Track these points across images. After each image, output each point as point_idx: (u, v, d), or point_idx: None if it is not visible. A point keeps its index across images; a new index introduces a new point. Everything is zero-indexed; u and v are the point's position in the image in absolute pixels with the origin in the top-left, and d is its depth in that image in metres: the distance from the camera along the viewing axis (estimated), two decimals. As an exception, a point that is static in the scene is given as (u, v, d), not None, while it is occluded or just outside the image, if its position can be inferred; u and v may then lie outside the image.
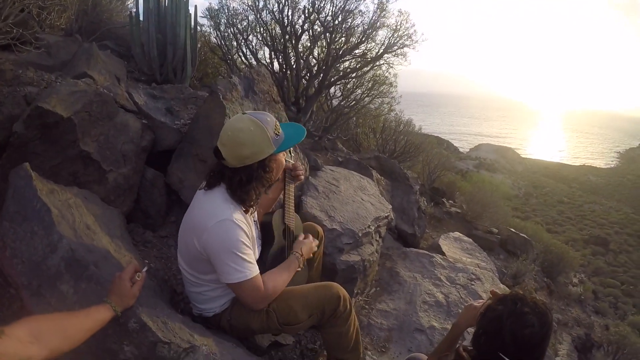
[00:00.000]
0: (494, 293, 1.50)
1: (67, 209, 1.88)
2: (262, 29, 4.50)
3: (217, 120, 2.48)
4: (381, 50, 4.63)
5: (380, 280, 3.01)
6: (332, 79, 4.78)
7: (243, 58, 4.78)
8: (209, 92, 2.52)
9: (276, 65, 4.61)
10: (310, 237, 1.89)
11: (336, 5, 4.22)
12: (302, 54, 4.55)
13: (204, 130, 2.50)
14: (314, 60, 4.69)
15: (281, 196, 2.00)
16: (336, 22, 4.27)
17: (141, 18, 3.68)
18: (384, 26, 4.49)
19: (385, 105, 5.69)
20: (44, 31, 3.06)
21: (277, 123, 1.56)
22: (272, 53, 4.53)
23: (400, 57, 4.74)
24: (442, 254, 3.94)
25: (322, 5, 4.20)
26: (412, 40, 4.63)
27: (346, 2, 4.25)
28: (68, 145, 2.05)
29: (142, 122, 2.45)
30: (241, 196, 1.54)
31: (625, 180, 29.92)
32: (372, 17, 4.42)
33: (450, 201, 6.17)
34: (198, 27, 4.12)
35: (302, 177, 1.97)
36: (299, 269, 1.82)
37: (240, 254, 1.48)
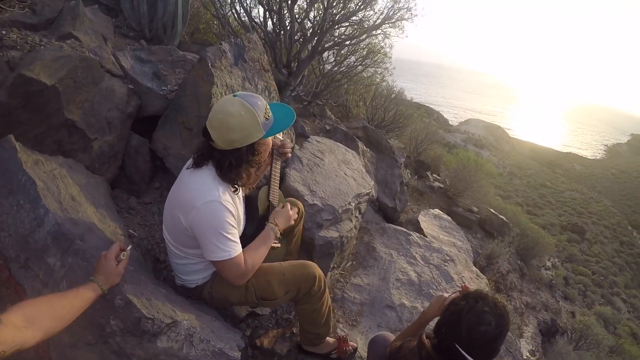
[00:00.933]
0: (465, 288, 1.65)
1: (52, 181, 1.91)
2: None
3: (205, 89, 2.46)
4: (379, 20, 4.49)
5: (357, 254, 3.17)
6: (327, 45, 4.67)
7: (236, 15, 4.59)
8: (198, 59, 2.47)
9: (270, 26, 4.45)
10: (288, 205, 1.94)
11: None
12: (297, 16, 4.39)
13: (190, 98, 2.48)
14: (309, 24, 4.54)
15: (267, 172, 2.06)
16: None
17: (130, -30, 3.48)
18: None
19: (378, 75, 5.62)
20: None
21: (267, 106, 1.59)
22: (267, 13, 4.36)
23: (397, 29, 4.63)
24: (421, 230, 4.12)
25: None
26: (412, 14, 4.50)
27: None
28: (52, 114, 2.04)
29: (128, 87, 2.42)
30: (230, 177, 1.60)
31: (608, 174, 30.49)
32: None
33: (434, 175, 6.30)
34: (191, -19, 3.91)
35: (290, 154, 2.03)
36: (277, 242, 1.92)
37: (225, 234, 1.56)
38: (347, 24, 4.59)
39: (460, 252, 3.85)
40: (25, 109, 1.99)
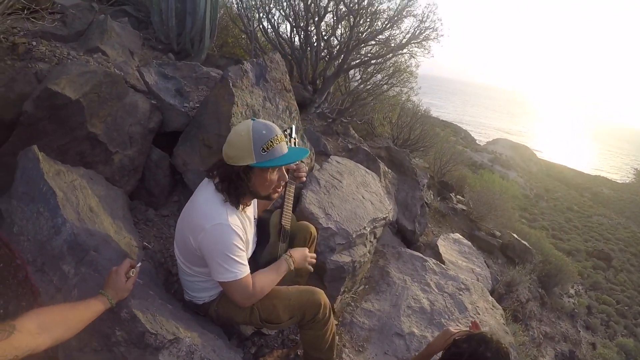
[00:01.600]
0: (474, 325, 1.58)
1: (72, 192, 1.99)
2: (285, 3, 4.39)
3: (225, 108, 2.50)
4: (405, 40, 4.48)
5: (371, 278, 3.11)
6: (353, 63, 4.68)
7: (263, 31, 4.68)
8: (220, 78, 2.52)
9: (296, 42, 4.52)
10: (309, 250, 2.00)
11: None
12: (324, 34, 4.44)
13: (211, 116, 2.53)
14: (335, 41, 4.58)
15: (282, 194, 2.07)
16: (362, 4, 4.12)
17: (161, -16, 3.62)
18: (410, 15, 4.33)
19: (404, 94, 5.58)
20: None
21: (274, 140, 1.58)
22: (294, 29, 4.43)
23: (423, 49, 4.60)
24: (439, 254, 4.02)
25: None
26: (437, 33, 4.47)
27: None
28: (76, 127, 2.12)
29: (151, 102, 2.49)
30: (227, 191, 1.62)
31: (638, 198, 29.16)
32: (399, 3, 4.25)
33: (458, 196, 6.14)
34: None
35: (304, 178, 2.03)
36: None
37: (232, 256, 1.58)
38: (373, 42, 4.59)
39: (478, 279, 3.71)
40: (50, 121, 2.07)
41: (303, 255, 1.93)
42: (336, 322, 2.59)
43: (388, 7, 4.30)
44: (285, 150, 1.65)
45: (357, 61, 4.74)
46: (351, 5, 4.12)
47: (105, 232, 1.98)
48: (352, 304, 2.81)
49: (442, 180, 6.03)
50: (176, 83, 2.66)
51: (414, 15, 4.37)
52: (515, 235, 5.99)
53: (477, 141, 34.39)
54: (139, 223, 2.49)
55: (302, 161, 2.03)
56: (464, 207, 5.83)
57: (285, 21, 4.49)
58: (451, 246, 4.21)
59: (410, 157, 5.22)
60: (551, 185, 28.67)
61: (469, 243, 4.47)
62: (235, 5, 4.74)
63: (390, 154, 4.63)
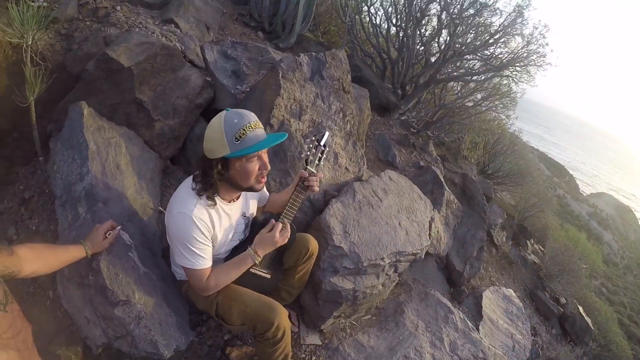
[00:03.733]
0: None
1: (105, 147, 2.22)
2: (389, 1, 4.13)
3: (270, 97, 2.50)
4: (508, 59, 3.88)
5: (383, 310, 2.90)
6: (447, 74, 4.25)
7: (361, 26, 4.51)
8: (271, 67, 2.52)
9: (396, 42, 4.26)
10: (278, 228, 1.80)
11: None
12: (423, 38, 4.10)
13: (255, 103, 2.55)
14: (436, 48, 4.20)
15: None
16: (465, 13, 3.66)
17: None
18: (517, 34, 3.71)
19: (501, 119, 4.91)
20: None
21: (247, 127, 1.53)
22: (395, 28, 4.17)
23: (527, 74, 3.94)
24: (480, 307, 3.56)
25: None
26: (543, 60, 3.77)
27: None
28: (126, 90, 2.33)
29: (206, 79, 2.61)
30: (201, 184, 1.63)
31: None
32: (507, 19, 3.66)
33: (535, 246, 5.32)
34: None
35: (315, 189, 1.91)
36: (266, 273, 1.96)
37: (191, 247, 1.61)
38: (473, 56, 4.09)
39: (514, 347, 3.20)
40: (106, 81, 2.32)
41: (269, 240, 1.78)
42: (320, 344, 2.49)
43: (497, 21, 3.77)
44: (263, 136, 1.59)
45: (454, 74, 4.30)
46: (454, 13, 3.69)
47: (122, 190, 2.18)
48: (348, 330, 2.66)
49: (521, 224, 5.26)
50: (235, 64, 2.73)
51: (522, 35, 3.76)
52: (580, 308, 5.04)
53: (580, 188, 31.31)
54: (170, 187, 2.69)
55: (316, 170, 1.91)
56: (536, 260, 5.04)
57: (387, 19, 4.25)
58: (498, 302, 3.68)
59: (492, 190, 4.66)
60: None
61: (520, 305, 3.85)
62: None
63: (465, 183, 4.17)
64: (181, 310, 2.03)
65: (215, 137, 1.53)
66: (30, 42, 2.09)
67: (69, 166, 2.13)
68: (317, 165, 1.92)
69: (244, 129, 1.52)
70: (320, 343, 2.49)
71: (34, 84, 2.04)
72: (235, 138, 1.51)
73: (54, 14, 2.43)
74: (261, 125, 1.61)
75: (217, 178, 1.60)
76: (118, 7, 2.48)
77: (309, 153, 1.90)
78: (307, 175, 1.88)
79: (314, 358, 2.40)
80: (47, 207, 2.25)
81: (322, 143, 1.90)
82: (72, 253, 1.64)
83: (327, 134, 1.93)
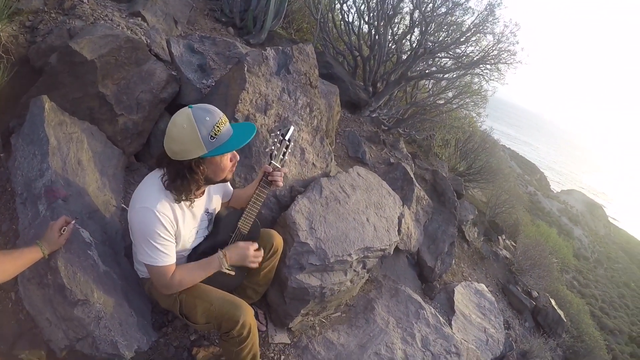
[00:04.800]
0: None
1: (66, 142, 2.18)
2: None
3: (235, 92, 2.50)
4: (478, 57, 4.01)
5: (353, 307, 2.94)
6: (418, 72, 4.35)
7: (333, 23, 4.56)
8: (236, 61, 2.52)
9: (368, 40, 4.32)
10: (252, 248, 1.87)
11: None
12: (395, 36, 4.18)
13: (220, 97, 2.54)
14: (407, 46, 4.29)
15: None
16: (437, 11, 3.76)
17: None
18: (489, 33, 3.84)
19: (473, 117, 5.05)
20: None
21: (220, 124, 1.53)
22: (367, 25, 4.24)
23: (498, 72, 4.07)
24: (452, 301, 3.65)
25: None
26: (514, 59, 3.91)
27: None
28: (88, 84, 2.29)
29: (171, 73, 2.58)
30: (173, 188, 1.60)
31: None
32: (478, 17, 3.77)
33: (507, 241, 5.51)
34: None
35: (279, 184, 1.93)
36: (231, 270, 1.90)
37: (154, 243, 1.59)
38: (444, 54, 4.20)
39: (487, 341, 3.30)
40: (69, 75, 2.28)
41: (241, 255, 1.83)
42: (289, 343, 2.51)
43: (469, 20, 3.87)
44: (231, 130, 1.59)
45: (425, 71, 4.40)
46: (426, 11, 3.78)
47: (83, 186, 2.15)
48: (317, 328, 2.68)
49: (492, 220, 5.43)
50: (201, 58, 2.72)
51: (493, 34, 3.89)
52: (552, 301, 5.26)
53: (551, 187, 32.82)
54: (134, 184, 2.64)
55: (281, 165, 1.93)
56: (507, 255, 5.22)
57: (359, 17, 4.31)
58: (470, 297, 3.79)
59: (463, 187, 4.78)
60: (614, 253, 26.33)
61: (493, 299, 3.98)
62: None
63: (435, 180, 4.27)
64: (143, 310, 2.02)
65: (187, 137, 1.49)
66: (-8, 33, 2.03)
67: (30, 162, 2.09)
68: (281, 160, 1.92)
69: (217, 126, 1.51)
70: (289, 342, 2.50)
71: (-5, 77, 1.99)
72: (211, 136, 1.50)
73: (17, 5, 2.37)
74: (227, 119, 1.60)
75: (199, 179, 1.59)
76: (85, 0, 2.44)
77: (273, 147, 1.90)
78: (271, 170, 1.90)
79: (283, 357, 2.41)
80: (9, 206, 2.18)
81: (286, 137, 1.91)
82: (28, 256, 1.61)
83: (292, 128, 1.94)
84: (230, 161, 1.67)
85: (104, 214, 2.16)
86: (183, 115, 1.51)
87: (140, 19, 2.62)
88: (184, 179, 1.57)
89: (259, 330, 2.45)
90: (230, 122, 1.65)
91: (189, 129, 1.48)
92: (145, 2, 2.69)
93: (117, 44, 2.29)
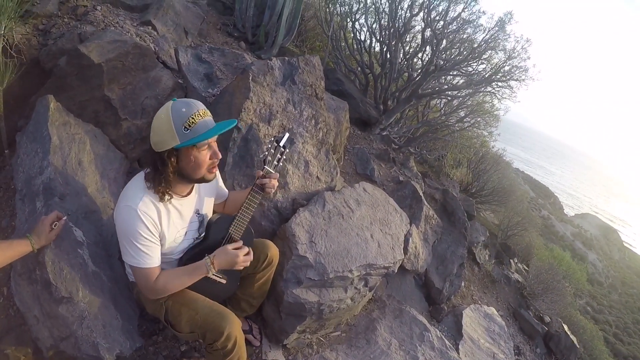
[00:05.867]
0: None
1: (69, 143, 2.20)
2: (373, 17, 4.25)
3: (239, 101, 2.50)
4: (489, 74, 3.97)
5: (354, 327, 2.83)
6: (428, 90, 4.33)
7: (345, 41, 4.62)
8: (242, 70, 2.54)
9: (380, 57, 4.35)
10: (241, 251, 1.80)
11: (452, 11, 3.71)
12: (407, 55, 4.19)
13: (224, 106, 2.55)
14: (419, 64, 4.29)
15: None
16: (448, 29, 3.77)
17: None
18: (500, 49, 3.81)
19: (485, 137, 4.98)
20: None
21: (196, 115, 1.52)
22: (379, 44, 4.27)
23: (507, 89, 4.02)
24: (460, 325, 3.50)
25: (434, 3, 3.73)
26: (525, 75, 3.86)
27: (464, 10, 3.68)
28: (95, 87, 2.34)
29: (177, 81, 2.62)
30: (150, 179, 1.60)
31: None
32: (488, 33, 3.76)
33: (519, 265, 5.32)
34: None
35: (271, 191, 1.89)
36: (222, 278, 1.87)
37: (136, 243, 1.56)
38: (455, 72, 4.18)
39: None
40: (77, 77, 2.33)
41: (230, 258, 1.76)
42: (283, 360, 2.41)
43: (480, 37, 3.86)
44: (213, 124, 1.58)
45: (436, 89, 4.38)
46: (437, 29, 3.79)
47: (82, 186, 2.16)
48: (315, 347, 2.58)
49: (504, 243, 5.26)
50: (208, 67, 2.75)
51: (504, 50, 3.86)
52: (565, 327, 5.01)
53: (564, 211, 32.38)
54: (135, 190, 2.66)
55: (272, 170, 1.89)
56: (519, 279, 5.03)
57: (371, 35, 4.36)
58: (479, 321, 3.63)
59: (474, 208, 4.66)
60: (629, 278, 25.56)
61: (503, 323, 3.79)
62: (322, 10, 4.76)
63: (445, 199, 4.18)
64: (130, 314, 1.98)
65: (163, 128, 1.50)
66: (3, 31, 2.10)
67: (32, 159, 2.13)
68: (275, 165, 1.89)
69: (192, 117, 1.50)
70: (284, 359, 2.41)
71: (3, 73, 2.04)
72: (185, 127, 1.49)
73: (30, 7, 2.46)
74: (210, 113, 1.59)
75: (168, 171, 1.56)
76: (98, 7, 2.52)
77: (267, 153, 1.87)
78: (263, 174, 1.86)
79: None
80: (11, 203, 2.23)
81: (281, 144, 1.88)
82: (18, 248, 1.61)
83: (286, 135, 1.91)
84: (210, 159, 1.63)
85: (101, 216, 2.16)
86: (164, 107, 1.53)
87: (150, 27, 2.69)
88: (156, 171, 1.57)
89: (252, 346, 2.37)
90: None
91: (165, 119, 1.50)
92: (157, 11, 2.76)
93: (124, 50, 2.34)
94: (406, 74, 4.39)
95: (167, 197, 1.63)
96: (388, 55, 4.21)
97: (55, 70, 2.33)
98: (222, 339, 1.67)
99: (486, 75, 4.09)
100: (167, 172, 1.57)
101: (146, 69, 2.48)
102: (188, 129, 1.50)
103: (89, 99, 2.38)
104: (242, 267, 1.82)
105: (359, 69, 4.68)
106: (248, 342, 2.36)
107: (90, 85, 2.35)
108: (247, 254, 1.82)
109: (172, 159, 1.55)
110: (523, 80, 4.00)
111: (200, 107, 1.56)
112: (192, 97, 2.68)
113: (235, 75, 2.93)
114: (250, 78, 2.46)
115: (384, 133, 4.41)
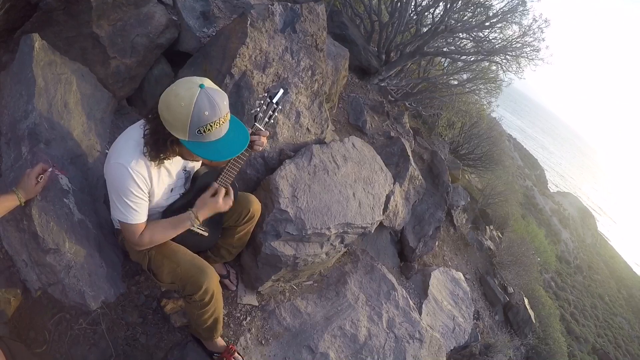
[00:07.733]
0: None
1: (54, 84, 2.16)
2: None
3: (234, 45, 2.44)
4: (500, 46, 3.84)
5: (326, 278, 3.03)
6: (435, 49, 4.19)
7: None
8: (240, 13, 2.44)
9: (390, 5, 4.13)
10: (221, 194, 1.85)
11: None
12: (418, 7, 3.98)
13: (219, 49, 2.49)
14: (429, 19, 4.10)
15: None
16: None
17: None
18: (516, 22, 3.64)
19: (484, 104, 4.93)
20: None
21: (215, 124, 1.48)
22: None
23: (515, 64, 3.92)
24: (427, 285, 3.77)
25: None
26: (536, 55, 3.74)
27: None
28: (83, 24, 2.25)
29: (171, 18, 2.52)
30: (147, 142, 1.60)
31: None
32: (507, 4, 3.57)
33: (494, 232, 5.60)
34: None
35: (258, 149, 1.91)
36: (204, 230, 1.98)
37: (126, 200, 1.62)
38: (464, 36, 4.03)
39: (453, 329, 3.43)
40: (64, 12, 2.23)
41: (211, 207, 1.83)
42: (257, 305, 2.61)
43: (496, 4, 3.69)
44: (223, 132, 1.56)
45: (442, 49, 4.24)
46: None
47: (68, 130, 2.15)
48: (287, 294, 2.79)
49: (483, 209, 5.48)
50: (205, 5, 2.63)
51: (519, 25, 3.70)
52: (526, 300, 5.44)
53: (548, 185, 33.12)
54: (122, 128, 2.64)
55: (262, 128, 1.88)
56: (491, 247, 5.34)
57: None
58: (446, 283, 3.91)
59: (460, 172, 4.77)
60: (596, 265, 26.83)
61: (467, 289, 4.10)
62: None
63: (433, 161, 4.26)
64: (114, 261, 2.09)
65: (179, 117, 1.45)
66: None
67: (16, 102, 2.09)
68: (266, 123, 1.89)
69: (211, 125, 1.48)
70: (257, 304, 2.60)
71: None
72: (199, 130, 1.47)
73: None
74: (229, 117, 1.57)
75: (168, 153, 1.61)
76: None
77: (258, 109, 1.86)
78: (252, 131, 1.87)
79: (249, 318, 2.51)
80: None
81: (274, 100, 1.86)
82: (5, 203, 1.67)
83: (280, 91, 1.88)
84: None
85: (86, 159, 2.19)
86: (189, 92, 1.43)
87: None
88: (157, 142, 1.57)
89: (228, 290, 2.56)
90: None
91: (185, 110, 1.43)
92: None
93: (114, -19, 2.22)
94: (414, 28, 4.22)
95: (156, 161, 1.66)
96: (399, 5, 4.00)
97: (41, 4, 2.22)
98: (201, 292, 1.81)
99: (497, 46, 3.96)
100: (167, 153, 1.61)
101: (138, 4, 2.37)
102: (201, 134, 1.48)
103: (76, 36, 2.30)
104: (226, 209, 1.89)
105: (366, 14, 4.46)
106: (225, 287, 2.54)
107: (78, 21, 2.25)
108: (226, 196, 1.87)
109: (175, 147, 1.59)
110: (532, 60, 3.88)
111: (223, 112, 1.50)
112: (186, 35, 2.60)
113: (233, 14, 2.82)
114: (249, 22, 2.37)
115: (382, 84, 4.34)
